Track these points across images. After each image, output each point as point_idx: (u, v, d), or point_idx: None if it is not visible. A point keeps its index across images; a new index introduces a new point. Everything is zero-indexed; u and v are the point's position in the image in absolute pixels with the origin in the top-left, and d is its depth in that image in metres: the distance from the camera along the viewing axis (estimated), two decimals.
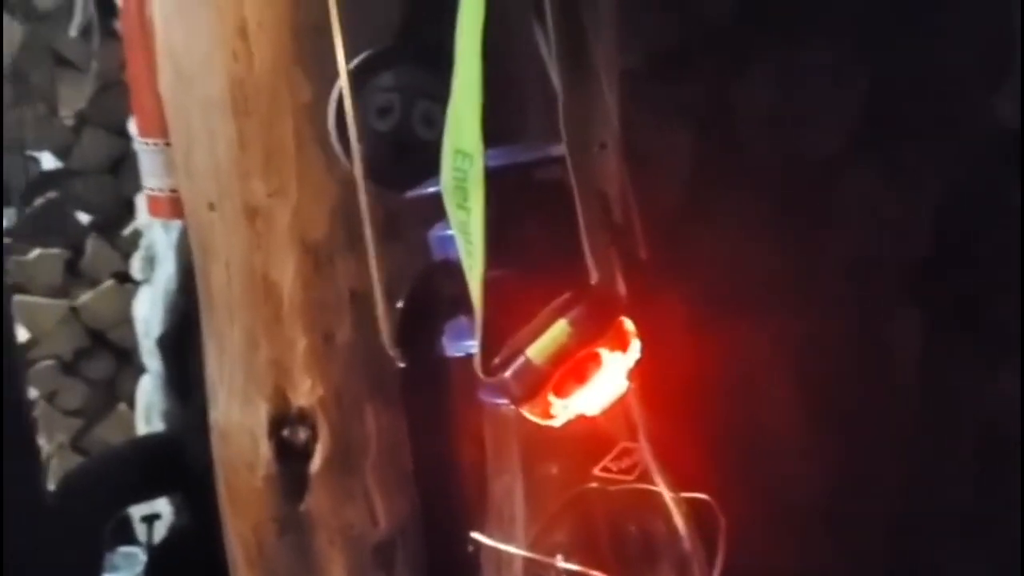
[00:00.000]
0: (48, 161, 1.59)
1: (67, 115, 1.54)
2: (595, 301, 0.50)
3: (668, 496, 0.56)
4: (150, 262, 1.52)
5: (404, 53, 0.60)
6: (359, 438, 0.64)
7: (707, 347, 0.93)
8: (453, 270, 0.53)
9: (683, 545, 0.55)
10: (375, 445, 0.64)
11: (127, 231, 1.61)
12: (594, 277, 0.50)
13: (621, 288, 0.52)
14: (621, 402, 0.53)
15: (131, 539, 1.46)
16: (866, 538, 1.08)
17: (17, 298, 1.52)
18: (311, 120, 0.61)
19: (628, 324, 0.50)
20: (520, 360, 0.49)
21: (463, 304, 0.52)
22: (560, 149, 0.53)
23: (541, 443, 0.55)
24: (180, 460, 1.21)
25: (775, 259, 1.09)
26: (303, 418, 0.65)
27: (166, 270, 1.43)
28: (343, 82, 0.55)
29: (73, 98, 1.53)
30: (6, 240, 1.52)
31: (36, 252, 1.58)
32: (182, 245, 1.24)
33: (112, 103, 1.49)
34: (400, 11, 0.61)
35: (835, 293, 1.11)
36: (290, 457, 0.65)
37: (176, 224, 1.11)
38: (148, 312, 1.48)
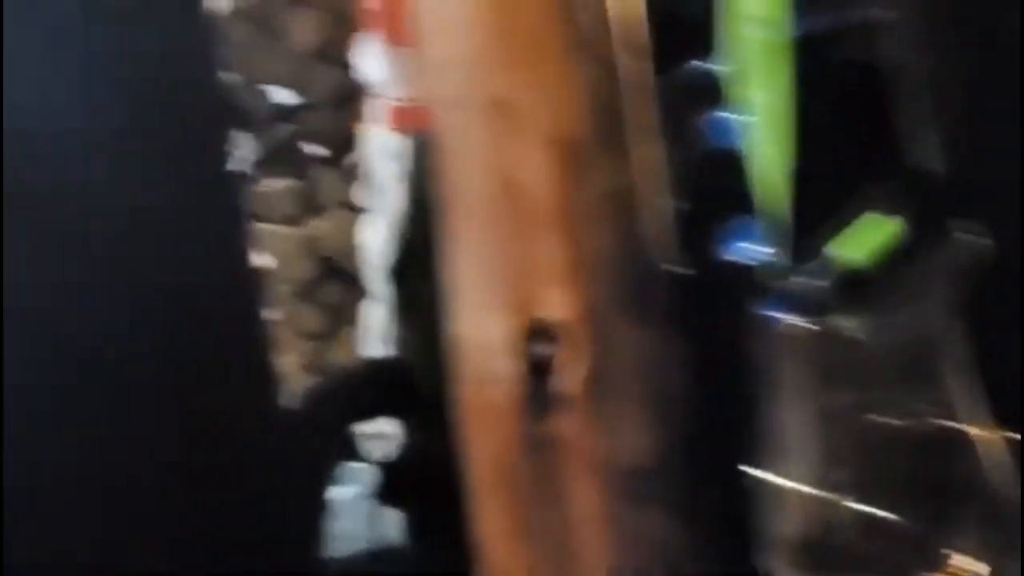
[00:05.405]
0: (282, 96, 1.66)
1: (301, 50, 1.59)
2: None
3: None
4: (377, 191, 1.55)
5: None
6: (612, 355, 0.60)
7: None
8: (735, 162, 0.46)
9: None
10: (631, 364, 0.60)
11: (353, 161, 1.66)
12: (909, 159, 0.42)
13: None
14: None
15: (360, 456, 1.53)
16: None
17: (257, 226, 1.61)
18: (563, 14, 0.56)
19: None
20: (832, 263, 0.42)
21: (747, 201, 0.45)
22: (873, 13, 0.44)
23: (836, 369, 0.48)
24: (408, 383, 1.25)
25: None
26: (552, 333, 0.61)
27: (393, 198, 1.46)
28: None
29: (306, 34, 1.58)
30: (248, 172, 1.61)
31: (273, 182, 1.66)
32: (409, 172, 1.26)
33: (341, 38, 1.53)
34: None
35: None
36: (537, 374, 0.62)
37: (402, 153, 1.12)
38: (375, 239, 1.52)
